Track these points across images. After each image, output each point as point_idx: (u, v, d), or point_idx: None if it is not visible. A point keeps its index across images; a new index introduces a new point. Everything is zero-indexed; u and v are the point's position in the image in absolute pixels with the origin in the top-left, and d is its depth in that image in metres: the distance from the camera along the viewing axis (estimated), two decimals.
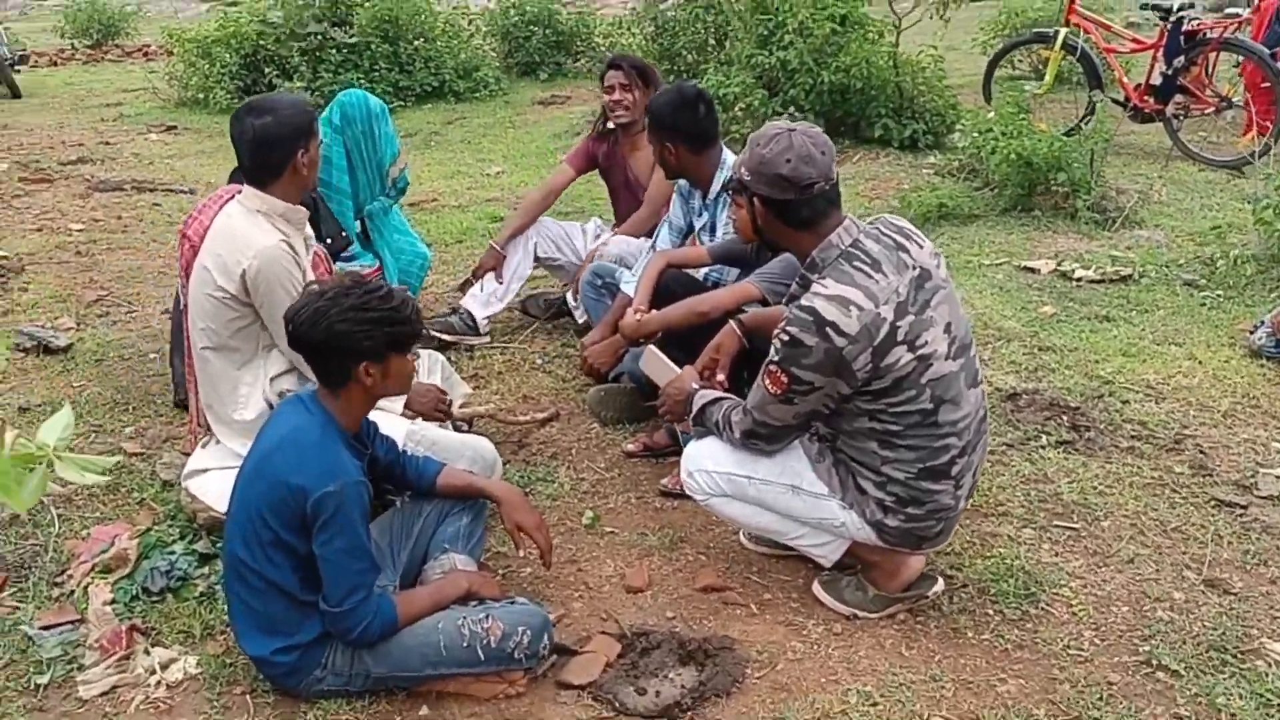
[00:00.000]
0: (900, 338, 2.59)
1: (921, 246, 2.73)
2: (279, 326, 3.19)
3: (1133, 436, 3.92)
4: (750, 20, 8.80)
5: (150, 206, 7.52)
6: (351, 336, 2.54)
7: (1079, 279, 5.49)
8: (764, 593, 3.14)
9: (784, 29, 8.37)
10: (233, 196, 3.35)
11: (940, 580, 3.03)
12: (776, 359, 2.65)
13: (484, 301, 4.97)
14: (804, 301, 2.61)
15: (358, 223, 4.64)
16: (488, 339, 4.97)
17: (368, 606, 2.58)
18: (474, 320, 4.94)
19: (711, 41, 10.30)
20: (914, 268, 2.67)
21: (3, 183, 8.13)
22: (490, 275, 4.98)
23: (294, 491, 2.51)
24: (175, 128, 10.47)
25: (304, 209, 3.38)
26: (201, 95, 11.20)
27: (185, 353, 3.47)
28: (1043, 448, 3.86)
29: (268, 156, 3.22)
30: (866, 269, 2.62)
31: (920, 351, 2.61)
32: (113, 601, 3.03)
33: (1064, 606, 3.03)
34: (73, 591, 3.13)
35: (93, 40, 16.39)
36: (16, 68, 12.56)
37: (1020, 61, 10.58)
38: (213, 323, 3.25)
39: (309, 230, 3.53)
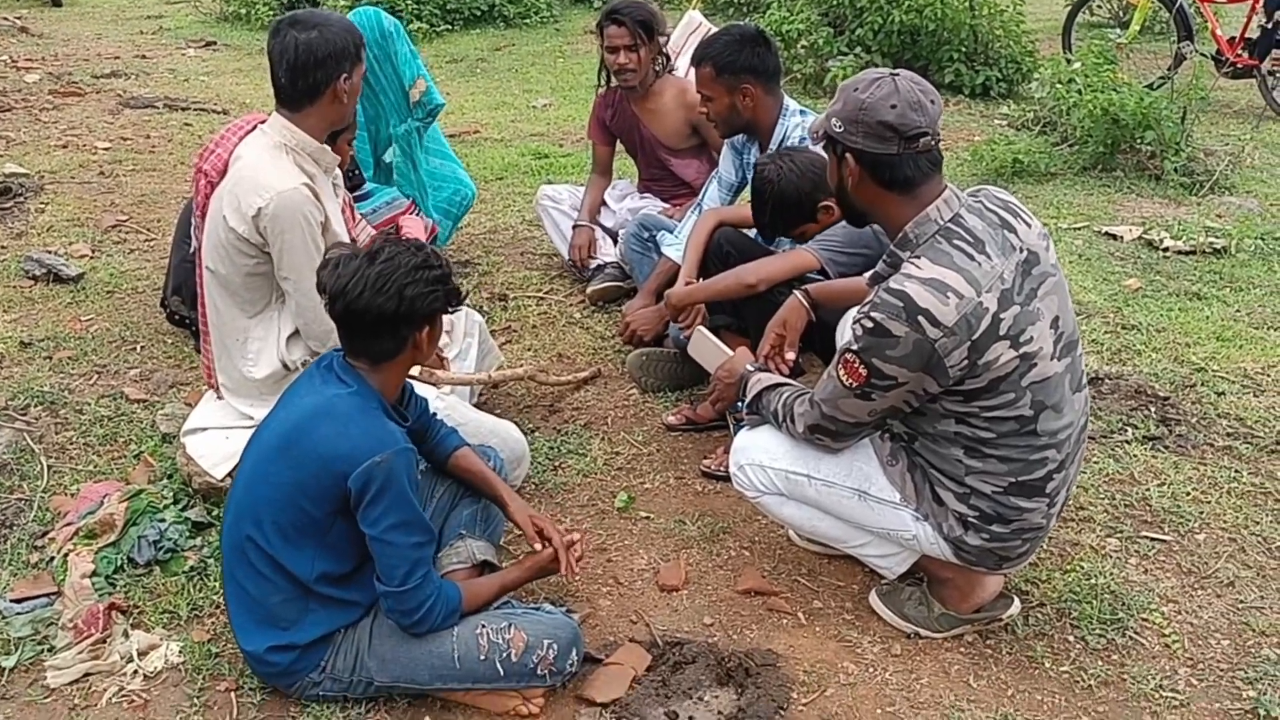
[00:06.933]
0: (1003, 331, 2.20)
1: (1029, 226, 2.33)
2: (290, 279, 2.87)
3: (1229, 434, 3.51)
4: None
5: (181, 126, 7.20)
6: (422, 299, 2.28)
7: (1167, 249, 5.02)
8: (814, 599, 2.79)
9: None
10: (254, 127, 2.97)
11: (1016, 601, 2.67)
12: (856, 347, 2.26)
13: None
14: (893, 284, 2.21)
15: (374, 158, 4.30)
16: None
17: (430, 584, 2.30)
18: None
19: None
20: (1021, 250, 2.27)
21: (33, 94, 7.83)
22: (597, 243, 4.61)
23: (333, 466, 2.22)
24: (214, 43, 10.13)
25: (335, 154, 3.02)
26: (244, 11, 10.89)
27: (199, 299, 3.14)
28: (1128, 443, 3.46)
29: (307, 75, 2.84)
30: (968, 249, 2.22)
31: (1024, 349, 2.22)
32: (94, 573, 2.73)
33: (1155, 636, 2.66)
34: (53, 558, 2.84)
35: None
36: None
37: (1100, 8, 9.96)
38: (224, 267, 2.91)
39: (339, 175, 3.18)
